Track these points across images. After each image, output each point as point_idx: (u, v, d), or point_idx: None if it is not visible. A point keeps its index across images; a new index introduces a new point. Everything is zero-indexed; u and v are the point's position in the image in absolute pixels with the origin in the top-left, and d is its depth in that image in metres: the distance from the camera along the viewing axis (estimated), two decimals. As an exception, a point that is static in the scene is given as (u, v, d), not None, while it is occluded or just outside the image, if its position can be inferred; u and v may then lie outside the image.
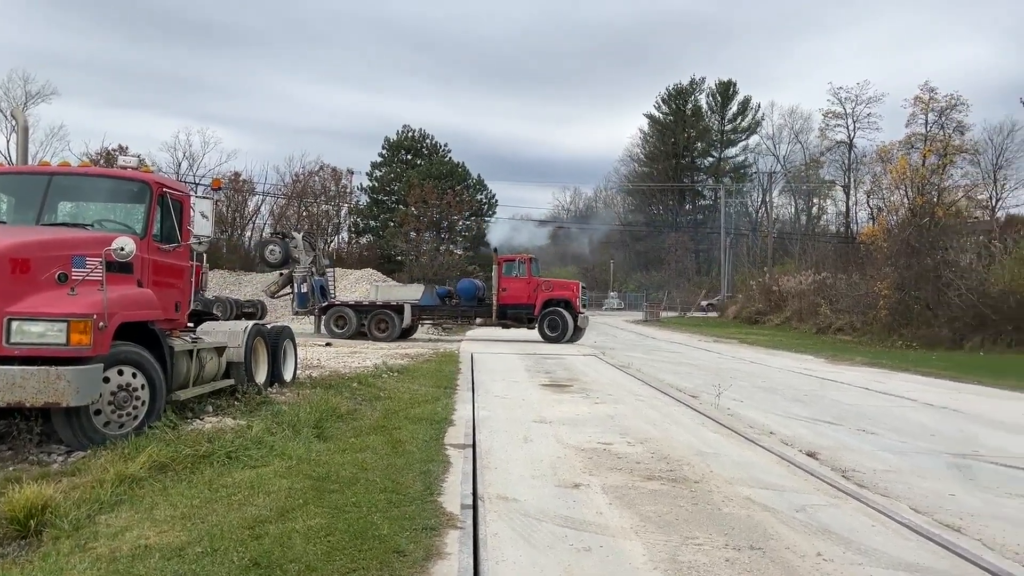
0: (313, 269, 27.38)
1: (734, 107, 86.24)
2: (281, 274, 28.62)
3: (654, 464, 7.54)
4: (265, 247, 28.48)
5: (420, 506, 5.81)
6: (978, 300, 27.62)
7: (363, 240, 54.37)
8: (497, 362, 17.82)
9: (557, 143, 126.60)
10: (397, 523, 5.35)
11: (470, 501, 6.04)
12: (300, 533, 5.12)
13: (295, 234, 28.45)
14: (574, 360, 18.72)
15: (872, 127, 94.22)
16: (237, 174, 50.30)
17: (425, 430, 8.82)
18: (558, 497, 6.29)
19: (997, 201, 52.05)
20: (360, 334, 25.45)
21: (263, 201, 53.01)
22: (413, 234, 44.71)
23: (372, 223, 53.93)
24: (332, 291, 28.32)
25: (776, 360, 22.19)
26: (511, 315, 25.55)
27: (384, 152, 56.70)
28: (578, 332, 25.27)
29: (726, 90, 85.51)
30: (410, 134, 56.53)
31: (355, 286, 39.35)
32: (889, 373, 19.08)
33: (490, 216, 51.29)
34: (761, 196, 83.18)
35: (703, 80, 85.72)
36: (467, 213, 47.24)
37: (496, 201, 52.72)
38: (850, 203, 71.49)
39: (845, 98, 69.04)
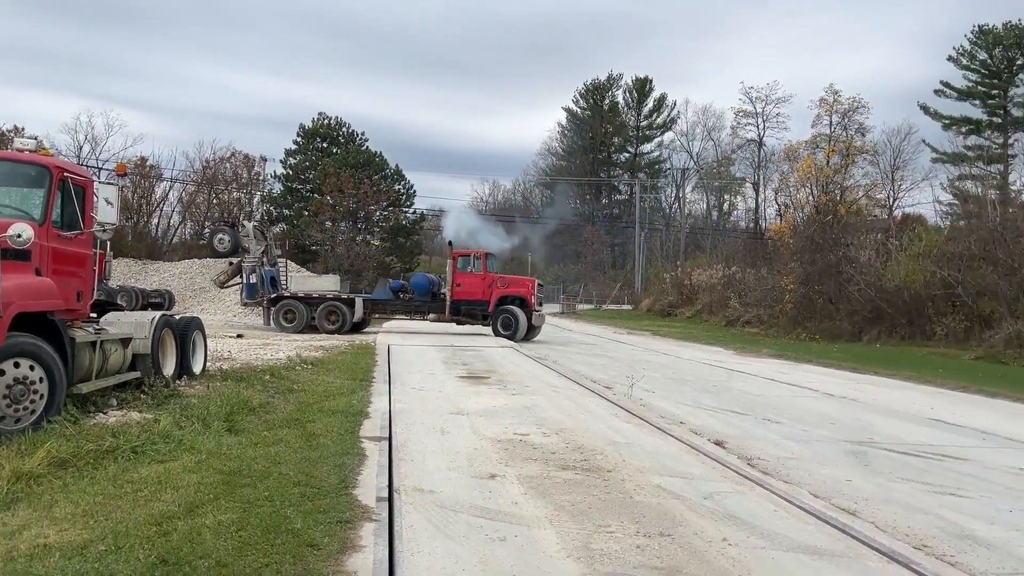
0: (264, 259, 26.57)
1: (650, 104, 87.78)
2: (231, 263, 27.74)
3: (569, 454, 7.67)
4: (214, 235, 27.58)
5: (335, 499, 5.76)
6: (875, 295, 29.02)
7: (276, 229, 53.20)
8: (414, 354, 17.74)
9: (476, 134, 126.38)
10: (311, 517, 5.28)
11: (385, 494, 6.01)
12: (210, 528, 5.01)
13: (246, 222, 27.51)
14: (491, 352, 18.80)
15: (781, 127, 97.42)
16: (144, 159, 48.40)
17: (340, 423, 8.73)
18: (474, 488, 6.33)
19: (894, 200, 54.70)
20: (311, 327, 24.80)
21: (171, 187, 51.24)
22: (329, 224, 43.96)
23: (286, 212, 52.77)
24: (284, 282, 27.45)
25: (687, 352, 22.80)
26: (465, 311, 25.03)
27: (299, 140, 55.50)
28: (533, 330, 24.69)
29: (642, 87, 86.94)
30: (326, 122, 55.48)
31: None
32: (794, 364, 19.86)
33: (408, 206, 50.91)
34: (675, 192, 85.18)
35: (620, 76, 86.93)
36: (385, 203, 46.73)
37: (415, 192, 52.38)
38: (759, 200, 74.03)
39: (756, 98, 71.45)
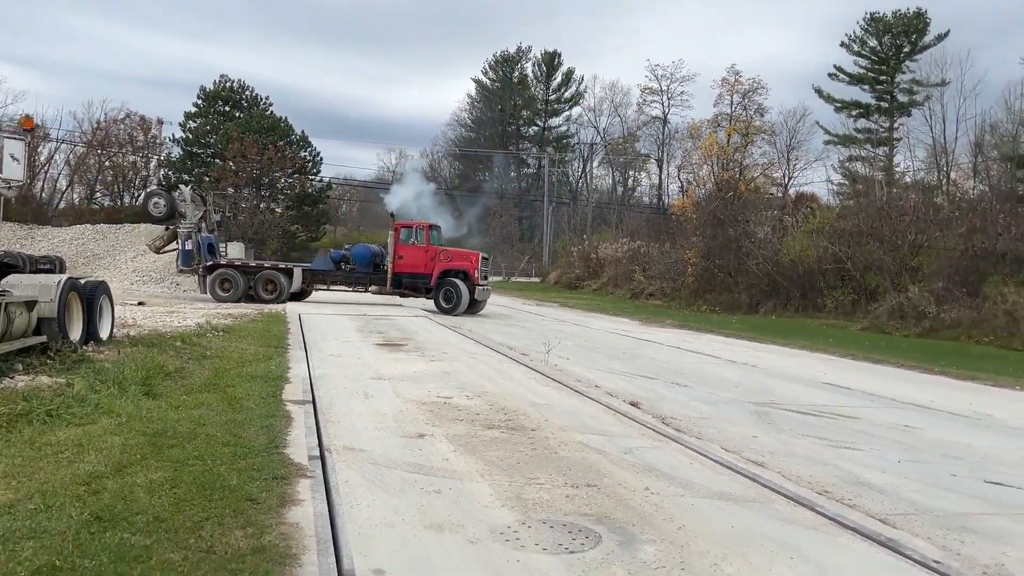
0: (202, 225, 25.51)
1: (558, 78, 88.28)
2: (167, 228, 26.51)
3: (493, 415, 7.88)
4: (149, 199, 26.23)
5: (266, 458, 5.78)
6: (772, 269, 30.39)
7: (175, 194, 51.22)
8: (326, 323, 17.58)
9: (384, 103, 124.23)
10: (245, 474, 5.31)
11: (317, 453, 6.08)
12: (142, 487, 4.98)
13: (183, 187, 26.33)
14: (405, 321, 18.82)
15: (685, 105, 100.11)
16: (29, 117, 45.58)
17: (261, 387, 8.67)
18: (404, 447, 6.46)
19: (789, 179, 57.09)
20: (249, 297, 23.98)
21: (57, 149, 48.49)
22: (231, 190, 42.61)
23: (186, 177, 50.80)
24: (223, 251, 26.35)
25: (596, 322, 23.39)
26: (407, 284, 24.32)
27: (200, 103, 53.33)
28: (476, 305, 23.97)
29: (551, 60, 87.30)
30: (228, 84, 53.48)
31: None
32: (696, 334, 20.68)
33: (314, 174, 49.80)
34: (582, 166, 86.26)
35: (529, 49, 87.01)
36: (290, 170, 45.58)
37: (321, 159, 51.21)
38: (663, 176, 75.83)
39: (661, 75, 72.88)
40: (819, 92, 60.76)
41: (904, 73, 58.25)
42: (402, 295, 24.65)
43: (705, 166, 55.68)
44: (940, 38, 56.75)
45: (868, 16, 59.78)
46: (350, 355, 12.10)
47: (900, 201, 31.12)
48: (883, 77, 59.20)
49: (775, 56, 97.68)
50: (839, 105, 60.22)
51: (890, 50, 58.67)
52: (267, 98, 53.47)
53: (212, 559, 3.89)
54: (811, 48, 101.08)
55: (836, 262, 28.15)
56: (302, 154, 48.19)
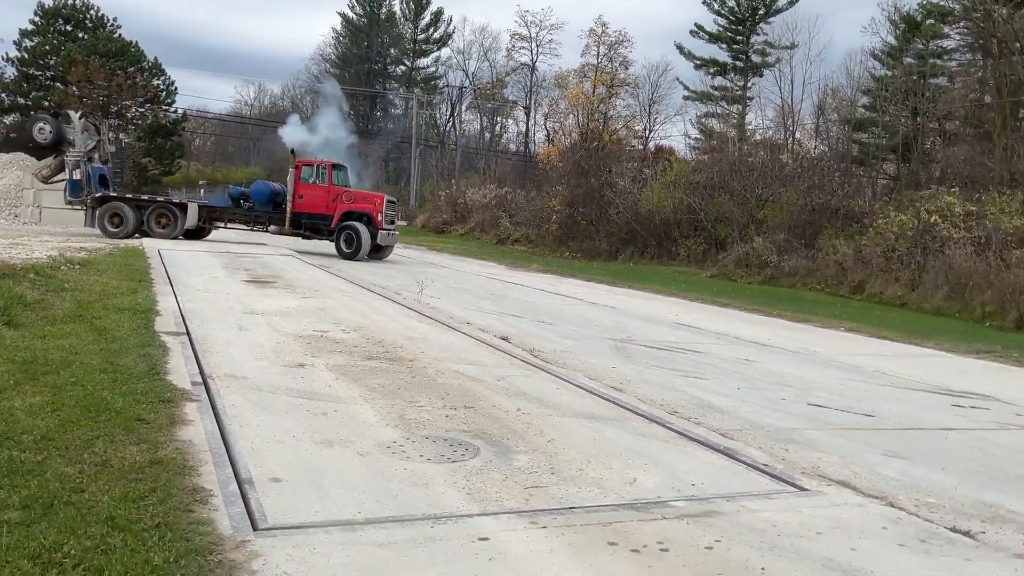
0: (96, 155, 23.59)
1: (427, 17, 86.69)
2: (55, 157, 24.23)
3: (371, 347, 8.16)
4: (34, 125, 23.79)
5: (149, 383, 5.84)
6: (631, 218, 31.75)
7: (8, 120, 47.09)
8: (189, 259, 17.08)
9: (243, 33, 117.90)
10: (130, 397, 5.37)
11: (199, 379, 6.18)
12: (22, 410, 4.96)
13: (72, 113, 24.02)
14: (272, 259, 18.55)
15: (553, 53, 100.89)
16: None
17: (130, 319, 8.52)
18: (286, 375, 6.66)
19: (649, 132, 59.14)
20: (143, 233, 22.45)
21: None
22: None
23: (21, 101, 46.78)
24: (117, 183, 24.37)
25: (464, 266, 23.84)
26: (307, 224, 23.04)
27: (37, 20, 48.88)
28: (382, 250, 23.06)
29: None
30: (70, 2, 49.30)
31: (2, 171, 34.30)
32: (560, 278, 21.53)
33: (168, 104, 47.02)
34: (450, 110, 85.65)
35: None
36: (141, 99, 42.85)
37: (176, 88, 48.28)
38: (530, 124, 76.53)
39: (531, 22, 73.15)
40: (680, 49, 62.74)
41: (758, 35, 61.10)
42: (306, 237, 23.57)
43: (571, 116, 56.79)
44: (792, 3, 59.71)
45: (730, -25, 61.99)
46: (219, 291, 11.95)
47: (750, 157, 33.13)
48: (739, 37, 61.80)
49: (641, 10, 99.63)
50: (699, 62, 62.47)
51: (747, 11, 61.26)
52: (115, 19, 49.74)
53: (110, 471, 4.03)
54: (675, 4, 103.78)
55: (690, 213, 29.76)
56: (155, 82, 45.35)
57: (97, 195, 23.06)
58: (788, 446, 5.64)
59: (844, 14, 77.19)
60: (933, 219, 21.01)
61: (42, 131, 23.71)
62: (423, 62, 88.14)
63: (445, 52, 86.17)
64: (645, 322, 12.92)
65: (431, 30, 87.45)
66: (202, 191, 28.29)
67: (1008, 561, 3.81)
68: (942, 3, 41.27)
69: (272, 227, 23.75)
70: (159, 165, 45.17)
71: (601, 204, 33.29)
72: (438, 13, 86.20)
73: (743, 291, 21.38)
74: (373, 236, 22.36)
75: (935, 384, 9.01)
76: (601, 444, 5.27)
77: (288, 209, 23.05)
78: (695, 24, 62.66)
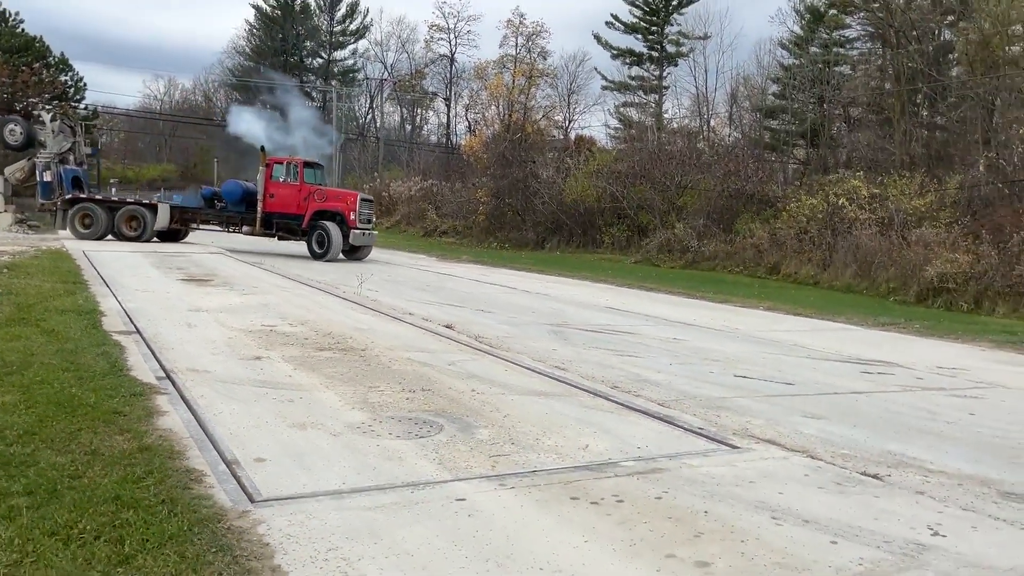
0: (71, 156, 22.58)
1: (343, 9, 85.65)
2: (28, 159, 23.03)
3: (321, 339, 8.44)
4: (5, 126, 22.50)
5: (114, 380, 6.02)
6: (557, 208, 32.42)
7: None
8: (117, 260, 16.82)
9: (148, 25, 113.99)
10: (100, 392, 5.56)
11: (162, 374, 6.39)
12: (-4, 409, 5.12)
13: (43, 113, 22.90)
14: (203, 257, 18.42)
15: (472, 44, 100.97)
16: None
17: (76, 321, 8.56)
18: (245, 367, 6.90)
19: (569, 122, 60.06)
20: (114, 235, 21.71)
21: None
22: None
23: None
24: (92, 184, 23.20)
25: (395, 258, 24.06)
26: (279, 224, 21.98)
27: (-71, 13, 46.50)
28: (359, 250, 22.13)
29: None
30: (-35, -5, 46.99)
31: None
32: (491, 268, 21.98)
33: (77, 101, 45.38)
34: (369, 102, 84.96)
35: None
36: (48, 96, 41.27)
37: (85, 84, 46.64)
38: (451, 115, 76.60)
39: (448, 13, 73.18)
40: (598, 39, 63.78)
41: (672, 25, 62.64)
42: (281, 238, 22.57)
43: (492, 107, 57.19)
44: (704, -6, 61.46)
45: (643, -33, 63.31)
46: (157, 290, 11.95)
47: (669, 146, 34.18)
48: (654, 28, 63.24)
49: (558, 1, 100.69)
50: (615, 52, 63.64)
51: (660, 2, 62.70)
52: (17, 14, 47.67)
53: (101, 459, 4.28)
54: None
55: (613, 201, 30.60)
56: (62, 78, 43.76)
57: (67, 196, 22.20)
58: (720, 412, 6.22)
59: (754, 5, 79.55)
60: (841, 202, 22.28)
61: (12, 133, 22.79)
62: (340, 54, 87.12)
63: (363, 44, 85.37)
64: (578, 307, 13.48)
65: (347, 22, 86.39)
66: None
67: (910, 496, 4.44)
68: (844, -6, 43.21)
69: (245, 228, 22.77)
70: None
71: (526, 194, 33.85)
72: (354, 4, 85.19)
73: (667, 275, 22.25)
74: (346, 236, 21.31)
75: (846, 354, 9.82)
76: (553, 417, 5.74)
77: (259, 209, 22.07)
78: (611, 15, 63.74)
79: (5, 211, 25.50)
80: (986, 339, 12.11)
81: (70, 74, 45.15)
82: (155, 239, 22.45)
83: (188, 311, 9.96)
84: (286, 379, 6.52)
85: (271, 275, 15.52)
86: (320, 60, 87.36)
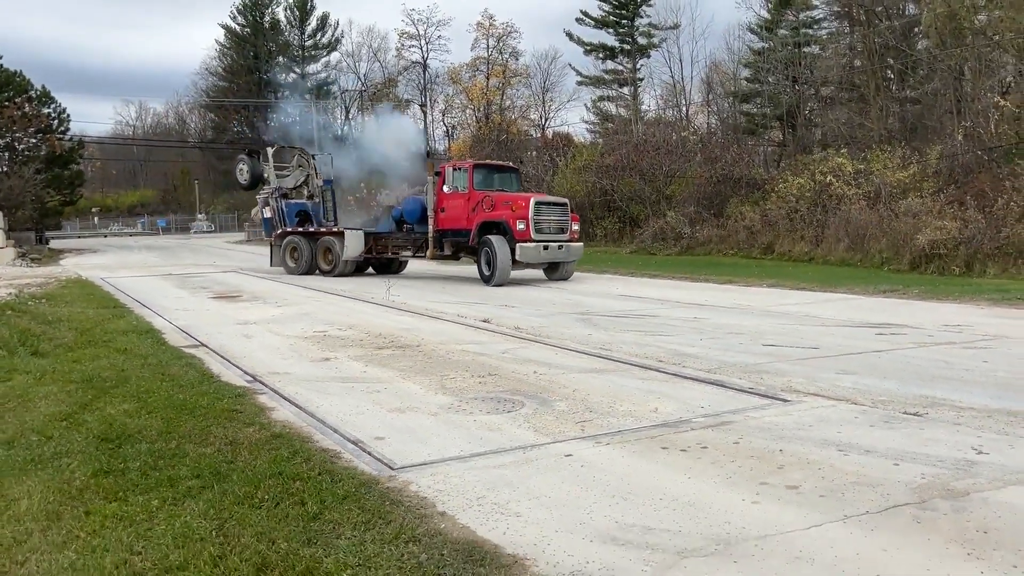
0: (305, 190, 21.90)
1: (313, 23, 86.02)
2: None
3: (375, 339, 9.01)
4: (236, 167, 22.24)
5: (211, 386, 6.57)
6: (549, 205, 33.00)
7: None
8: (138, 284, 17.29)
9: (117, 52, 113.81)
10: (207, 397, 6.11)
11: (250, 378, 6.94)
12: (119, 416, 5.64)
13: (268, 150, 22.29)
14: (218, 276, 18.90)
15: (443, 49, 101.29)
16: None
17: (142, 340, 9.08)
18: (319, 368, 7.47)
19: (546, 120, 60.74)
20: (312, 268, 20.33)
21: None
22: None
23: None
24: (329, 218, 21.19)
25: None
26: (452, 244, 18.37)
27: (-96, 54, 46.42)
28: (557, 268, 18.00)
29: (304, 5, 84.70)
30: (-62, 34, 46.98)
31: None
32: (495, 267, 22.51)
33: (62, 132, 45.46)
34: (345, 114, 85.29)
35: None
36: (33, 129, 41.42)
37: (69, 116, 46.72)
38: (428, 121, 77.09)
39: (418, 20, 73.42)
40: (569, 35, 64.40)
41: (642, 17, 63.46)
42: (458, 259, 19.32)
43: (472, 109, 57.82)
44: (671, -15, 62.32)
45: (605, -38, 64.07)
46: (197, 308, 12.46)
47: (653, 137, 34.90)
48: (624, 21, 64.04)
49: (526, 1, 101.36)
50: (588, 48, 64.34)
51: (628, -5, 63.53)
52: (-8, 49, 47.73)
53: (244, 446, 4.85)
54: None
55: (604, 195, 31.24)
56: (45, 111, 43.88)
57: (278, 232, 21.32)
58: (761, 375, 6.85)
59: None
60: (828, 179, 23.02)
61: (241, 172, 22.23)
62: (313, 68, 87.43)
63: (335, 56, 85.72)
64: (594, 297, 14.10)
65: (318, 35, 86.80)
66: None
67: (950, 427, 5.09)
68: (808, -25, 44.11)
69: (428, 251, 18.86)
70: (60, 195, 43.85)
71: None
72: (324, 17, 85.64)
73: (665, 263, 22.92)
74: (512, 252, 16.72)
75: (857, 320, 10.50)
76: (616, 389, 6.35)
77: (431, 227, 18.40)
78: (581, 11, 64.43)
79: (5, 247, 26.02)
80: (982, 298, 12.84)
81: (53, 106, 45.28)
82: (346, 274, 19.84)
83: (237, 324, 10.49)
84: (362, 374, 7.09)
85: (294, 288, 16.04)
86: (294, 75, 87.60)
